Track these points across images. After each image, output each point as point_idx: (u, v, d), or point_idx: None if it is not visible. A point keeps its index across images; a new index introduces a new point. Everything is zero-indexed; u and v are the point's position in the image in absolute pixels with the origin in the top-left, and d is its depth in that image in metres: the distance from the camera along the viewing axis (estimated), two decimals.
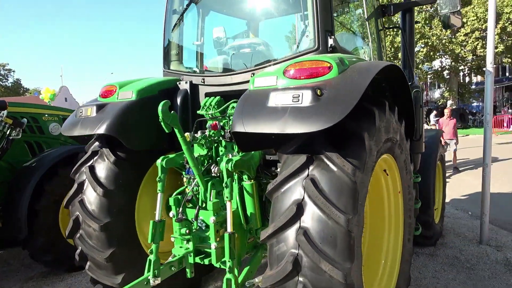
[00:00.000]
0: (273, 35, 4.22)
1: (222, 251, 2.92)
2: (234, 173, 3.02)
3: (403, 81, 3.08)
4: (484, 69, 5.49)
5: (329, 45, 3.03)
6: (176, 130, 2.93)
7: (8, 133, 4.70)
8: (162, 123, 2.83)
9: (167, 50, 3.95)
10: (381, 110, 2.66)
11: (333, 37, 3.06)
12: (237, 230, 3.06)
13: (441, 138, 7.61)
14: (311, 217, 2.22)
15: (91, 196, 3.35)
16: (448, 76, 31.54)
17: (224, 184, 2.87)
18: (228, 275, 2.78)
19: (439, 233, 5.57)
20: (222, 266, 3.11)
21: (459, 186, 9.79)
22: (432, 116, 23.48)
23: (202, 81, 3.60)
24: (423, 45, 26.39)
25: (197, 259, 3.29)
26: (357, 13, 4.10)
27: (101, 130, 3.16)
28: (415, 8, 4.86)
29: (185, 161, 3.26)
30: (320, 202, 2.19)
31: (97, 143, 3.58)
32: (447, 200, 7.01)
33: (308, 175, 2.31)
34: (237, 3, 3.94)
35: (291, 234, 2.26)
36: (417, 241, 4.81)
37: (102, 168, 3.41)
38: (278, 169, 3.11)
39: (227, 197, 2.85)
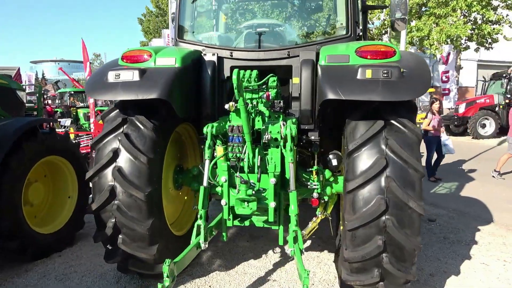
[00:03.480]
0: (293, 18, 4.58)
1: (278, 209, 3.29)
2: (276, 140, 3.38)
3: None
4: None
5: (357, 33, 3.65)
6: (241, 99, 3.10)
7: None
8: (235, 91, 2.98)
9: (181, 22, 3.92)
10: None
11: (360, 27, 3.68)
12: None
13: None
14: (394, 167, 2.82)
15: (131, 165, 3.20)
16: None
17: (288, 148, 3.21)
18: (294, 227, 3.14)
19: None
20: (266, 225, 3.45)
21: None
22: None
23: (230, 55, 3.75)
24: None
25: (236, 222, 3.53)
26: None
27: (155, 95, 3.08)
28: None
29: (228, 129, 3.42)
30: (404, 156, 2.81)
31: (117, 111, 3.39)
32: None
33: (385, 137, 2.90)
34: None
35: (378, 182, 2.82)
36: None
37: (138, 136, 3.28)
38: (311, 137, 3.61)
39: (291, 160, 3.21)
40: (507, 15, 19.54)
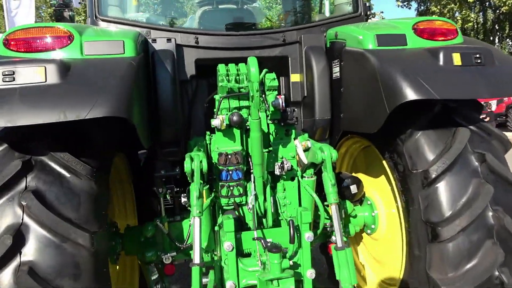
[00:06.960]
0: None
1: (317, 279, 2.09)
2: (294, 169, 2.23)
3: None
4: None
5: (367, 12, 2.72)
6: (255, 110, 1.85)
7: None
8: (253, 99, 1.75)
9: None
10: None
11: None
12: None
13: None
14: (499, 194, 1.95)
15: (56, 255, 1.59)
16: None
17: (330, 183, 2.03)
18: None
19: None
20: None
21: None
22: None
23: (196, 41, 2.38)
24: None
25: None
26: None
27: (105, 110, 1.58)
28: None
29: (219, 160, 2.09)
30: (508, 175, 1.97)
31: (3, 148, 1.74)
32: None
33: (472, 150, 2.01)
34: None
35: (484, 220, 1.91)
36: None
37: (62, 193, 1.69)
38: None
39: (335, 199, 2.05)
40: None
